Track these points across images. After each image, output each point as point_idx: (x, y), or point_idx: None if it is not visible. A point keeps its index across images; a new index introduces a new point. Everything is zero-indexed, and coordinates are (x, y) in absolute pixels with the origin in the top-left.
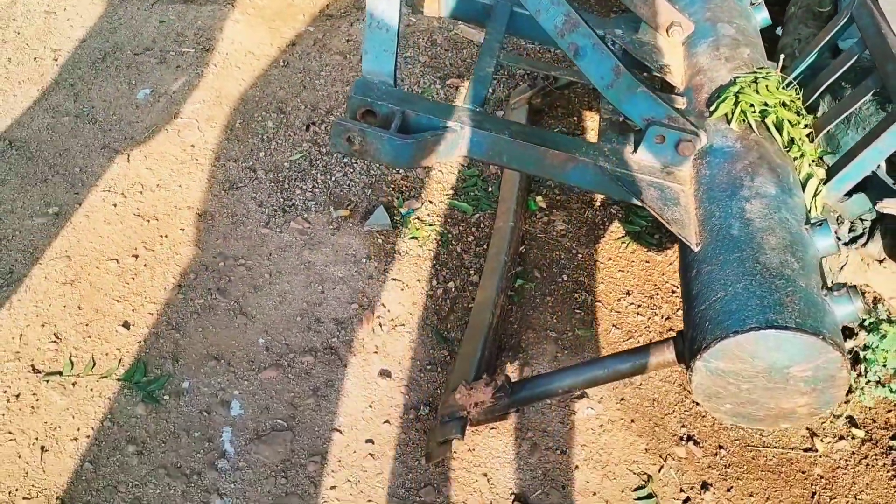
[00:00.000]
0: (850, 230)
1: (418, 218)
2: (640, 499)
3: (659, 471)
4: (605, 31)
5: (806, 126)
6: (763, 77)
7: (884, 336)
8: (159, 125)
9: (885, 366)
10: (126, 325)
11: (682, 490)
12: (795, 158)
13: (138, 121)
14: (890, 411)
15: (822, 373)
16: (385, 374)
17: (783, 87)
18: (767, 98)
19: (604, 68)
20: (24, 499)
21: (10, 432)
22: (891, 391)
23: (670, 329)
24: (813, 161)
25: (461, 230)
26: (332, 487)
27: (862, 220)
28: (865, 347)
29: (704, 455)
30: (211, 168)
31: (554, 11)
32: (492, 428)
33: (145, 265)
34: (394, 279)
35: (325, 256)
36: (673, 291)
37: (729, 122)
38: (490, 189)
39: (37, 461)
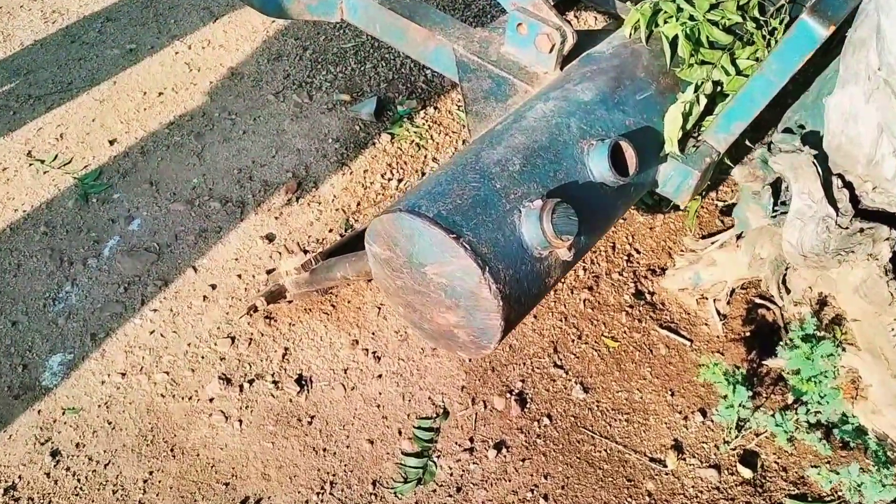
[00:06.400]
0: (783, 203)
1: (410, 118)
2: (420, 428)
3: (461, 410)
4: None
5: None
6: None
7: (795, 349)
8: None
9: (820, 402)
10: (112, 141)
11: (470, 439)
12: (688, 82)
13: None
14: (816, 466)
15: (458, 284)
16: (269, 237)
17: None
18: (692, 11)
19: None
20: None
21: None
22: (824, 445)
23: None
24: (709, 92)
25: (444, 140)
26: (155, 311)
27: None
28: (796, 373)
29: (522, 417)
30: (273, 40)
31: None
32: (324, 313)
33: (162, 102)
34: (343, 163)
35: (299, 129)
36: None
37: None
38: None
39: None
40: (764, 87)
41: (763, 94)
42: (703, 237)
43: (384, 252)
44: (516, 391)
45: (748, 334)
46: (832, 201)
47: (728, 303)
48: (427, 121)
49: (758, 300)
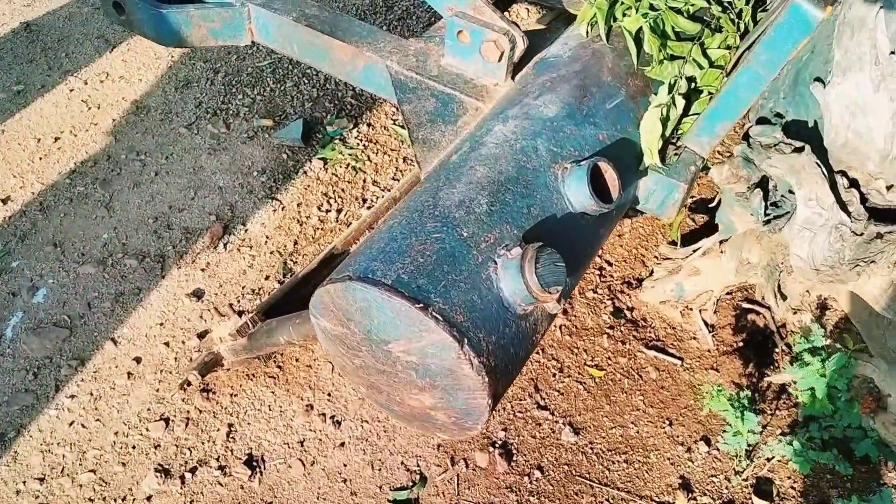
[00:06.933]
0: (774, 205)
1: (342, 139)
2: (395, 501)
3: (440, 473)
4: None
5: (724, 43)
6: None
7: (805, 366)
8: None
9: (833, 417)
10: (5, 199)
11: None
12: (660, 82)
13: None
14: (836, 487)
15: (432, 362)
16: (197, 294)
17: None
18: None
19: None
20: None
21: None
22: (843, 465)
23: None
24: (685, 91)
25: (384, 160)
26: (72, 397)
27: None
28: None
29: (510, 472)
30: (179, 66)
31: None
32: (270, 377)
33: (59, 148)
34: (273, 198)
35: (219, 164)
36: None
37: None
38: None
39: None
40: (751, 81)
41: (750, 89)
42: (677, 240)
43: (336, 328)
44: (499, 442)
45: (741, 344)
46: (841, 205)
47: (715, 312)
48: (361, 140)
49: (745, 304)
